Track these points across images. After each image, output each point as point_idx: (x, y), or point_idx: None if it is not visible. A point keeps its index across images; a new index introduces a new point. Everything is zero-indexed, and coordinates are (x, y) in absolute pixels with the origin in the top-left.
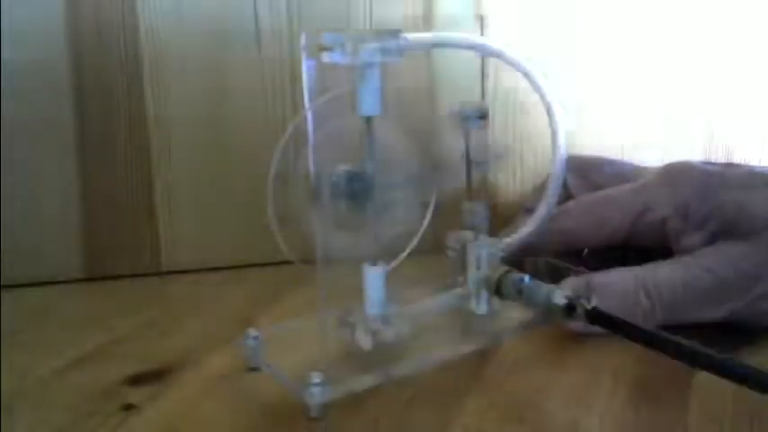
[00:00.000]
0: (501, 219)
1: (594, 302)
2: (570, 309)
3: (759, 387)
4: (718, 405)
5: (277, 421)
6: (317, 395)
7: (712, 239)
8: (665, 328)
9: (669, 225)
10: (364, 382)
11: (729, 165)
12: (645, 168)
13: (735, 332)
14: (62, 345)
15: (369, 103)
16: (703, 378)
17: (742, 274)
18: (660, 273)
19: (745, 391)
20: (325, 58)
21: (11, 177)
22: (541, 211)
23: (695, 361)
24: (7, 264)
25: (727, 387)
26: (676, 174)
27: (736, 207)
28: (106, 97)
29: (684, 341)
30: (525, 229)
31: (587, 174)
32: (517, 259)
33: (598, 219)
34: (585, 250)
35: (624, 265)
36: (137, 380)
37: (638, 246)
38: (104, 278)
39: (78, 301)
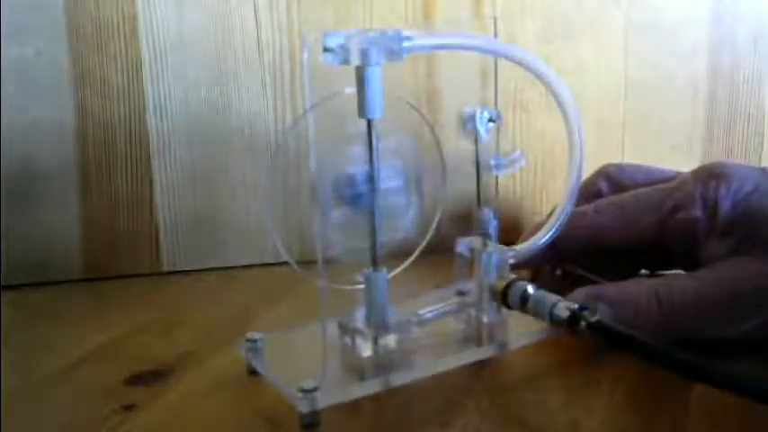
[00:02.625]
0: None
1: (599, 315)
2: (573, 321)
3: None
4: (719, 407)
5: (274, 426)
6: (310, 402)
7: (739, 248)
8: (681, 344)
9: (698, 227)
10: (362, 389)
11: (765, 169)
12: (681, 173)
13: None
14: (62, 345)
15: (369, 105)
16: None
17: (759, 289)
18: (675, 286)
19: None
20: (327, 59)
21: (11, 177)
22: (557, 215)
23: (704, 378)
24: (7, 264)
25: None
26: (710, 174)
27: (762, 214)
28: (106, 97)
29: (690, 356)
30: (540, 235)
31: (621, 180)
32: (536, 265)
33: (629, 216)
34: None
35: (645, 272)
36: (137, 380)
37: (666, 248)
38: (104, 278)
39: (78, 301)
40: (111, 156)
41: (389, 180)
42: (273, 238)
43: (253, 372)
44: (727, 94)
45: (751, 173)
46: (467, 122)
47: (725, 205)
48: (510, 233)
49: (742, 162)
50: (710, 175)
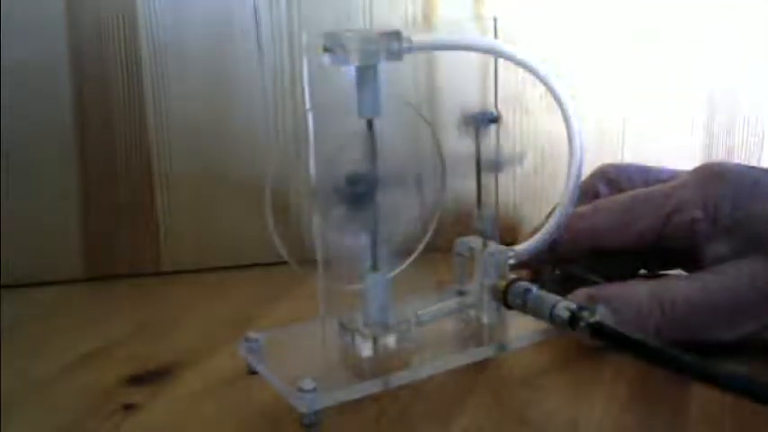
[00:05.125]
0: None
1: (599, 316)
2: (573, 321)
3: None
4: (718, 405)
5: (273, 425)
6: (309, 402)
7: (740, 251)
8: (680, 346)
9: (698, 227)
10: (362, 389)
11: (766, 170)
12: (681, 172)
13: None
14: (62, 345)
15: (369, 105)
16: None
17: (763, 293)
18: (676, 288)
19: None
20: (327, 59)
21: (11, 177)
22: (557, 215)
23: (702, 377)
24: (7, 264)
25: None
26: (710, 175)
27: (764, 215)
28: (106, 97)
29: (690, 356)
30: (539, 235)
31: (619, 181)
32: (536, 266)
33: (628, 218)
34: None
35: (645, 272)
36: (137, 380)
37: (666, 249)
38: (104, 278)
39: (78, 301)
40: (110, 156)
41: (389, 180)
42: (273, 238)
43: (252, 372)
44: (727, 94)
45: (752, 173)
46: (467, 122)
47: (725, 206)
48: (510, 233)
49: (742, 162)
50: (711, 175)
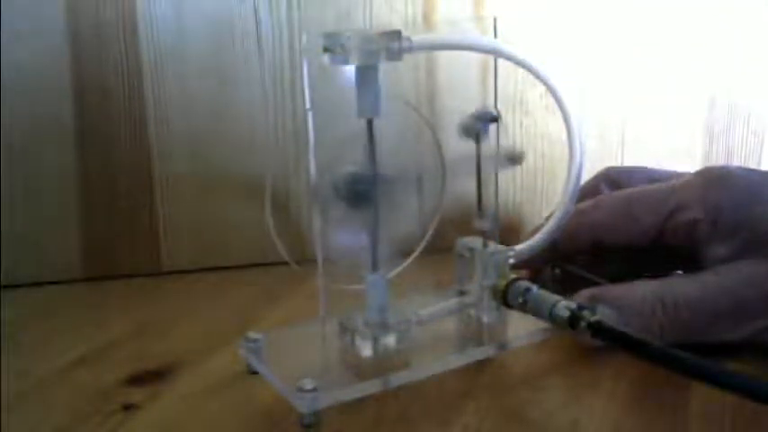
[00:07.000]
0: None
1: (600, 315)
2: (574, 321)
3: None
4: (718, 405)
5: (274, 425)
6: (309, 402)
7: (740, 253)
8: (683, 346)
9: (699, 228)
10: (362, 389)
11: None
12: (683, 174)
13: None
14: (62, 345)
15: (369, 105)
16: None
17: (764, 294)
18: (678, 289)
19: None
20: (327, 59)
21: (11, 177)
22: (557, 215)
23: (702, 377)
24: (7, 264)
25: None
26: (713, 177)
27: (764, 217)
28: (106, 97)
29: (690, 356)
30: (540, 235)
31: (620, 183)
32: (536, 265)
33: (630, 214)
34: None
35: (646, 273)
36: (137, 380)
37: (667, 249)
38: (104, 278)
39: (78, 301)
40: (111, 156)
41: (389, 180)
42: (273, 238)
43: (253, 372)
44: (727, 95)
45: (754, 176)
46: (467, 123)
47: (727, 208)
48: (510, 233)
49: (743, 164)
50: (714, 178)
